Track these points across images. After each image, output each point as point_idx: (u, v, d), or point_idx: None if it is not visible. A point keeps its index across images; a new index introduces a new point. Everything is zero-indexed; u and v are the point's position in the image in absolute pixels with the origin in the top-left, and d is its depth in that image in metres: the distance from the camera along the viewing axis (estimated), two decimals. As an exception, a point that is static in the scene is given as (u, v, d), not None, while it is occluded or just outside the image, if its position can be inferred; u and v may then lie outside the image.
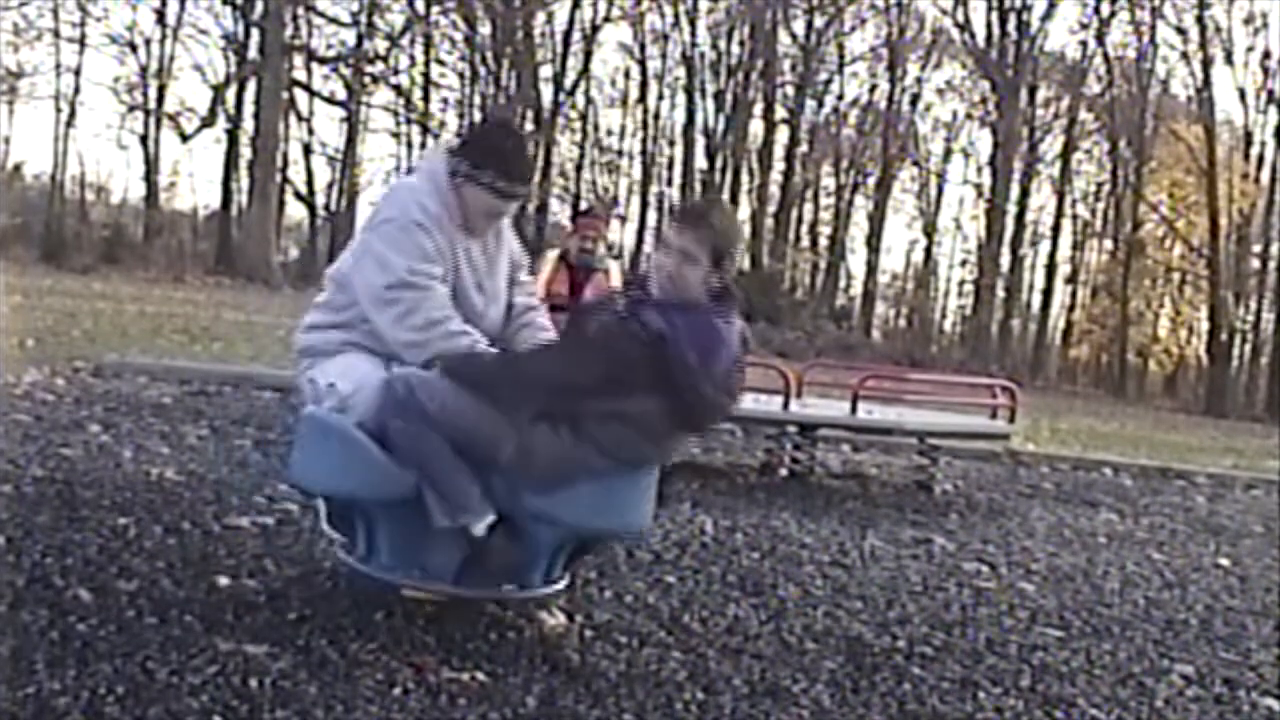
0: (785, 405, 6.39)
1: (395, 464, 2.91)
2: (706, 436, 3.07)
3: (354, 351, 3.12)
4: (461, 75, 33.15)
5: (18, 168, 33.86)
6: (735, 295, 3.03)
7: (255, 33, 29.34)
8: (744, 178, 34.10)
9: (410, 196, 3.09)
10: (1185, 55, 30.04)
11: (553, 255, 6.39)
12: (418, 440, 2.86)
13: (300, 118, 33.31)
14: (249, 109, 30.30)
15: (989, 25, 30.70)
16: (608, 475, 2.93)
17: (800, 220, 36.42)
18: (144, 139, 30.58)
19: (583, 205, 30.08)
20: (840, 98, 35.30)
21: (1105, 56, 31.92)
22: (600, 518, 3.02)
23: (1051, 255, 35.90)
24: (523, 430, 2.86)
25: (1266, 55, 30.45)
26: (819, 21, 32.85)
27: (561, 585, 3.18)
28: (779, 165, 33.88)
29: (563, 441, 2.86)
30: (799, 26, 32.82)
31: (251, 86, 29.60)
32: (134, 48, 30.56)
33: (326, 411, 3.04)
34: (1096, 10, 30.85)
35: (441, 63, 33.34)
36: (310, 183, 34.42)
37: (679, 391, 2.85)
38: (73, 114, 30.47)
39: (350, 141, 33.25)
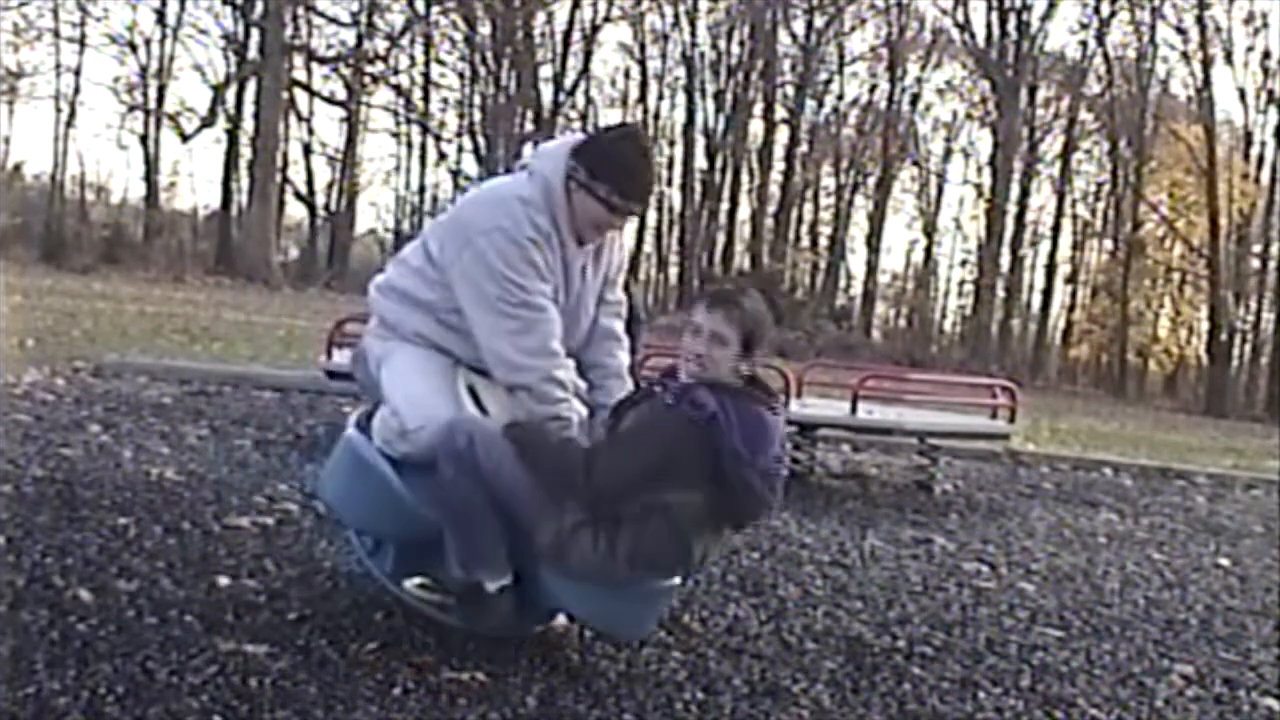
0: (785, 405, 6.38)
1: (424, 512, 2.85)
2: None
3: (424, 349, 3.03)
4: (461, 75, 33.18)
5: (18, 168, 33.90)
6: (767, 385, 2.90)
7: (255, 33, 29.34)
8: (744, 178, 34.13)
9: (523, 211, 2.93)
10: (1185, 55, 30.03)
11: None
12: (462, 492, 2.79)
13: (300, 118, 33.37)
14: (249, 109, 30.32)
15: (989, 25, 30.69)
16: (629, 590, 2.83)
17: (800, 220, 36.43)
18: (144, 139, 30.60)
19: None
20: (840, 98, 35.35)
21: (1105, 56, 31.91)
22: (606, 621, 2.94)
23: (1051, 255, 35.94)
24: (564, 528, 2.76)
25: (1266, 55, 30.47)
26: (819, 21, 32.83)
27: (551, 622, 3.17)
28: (779, 165, 33.90)
29: (599, 553, 2.73)
30: (799, 26, 32.83)
31: (251, 86, 29.61)
32: (134, 48, 30.62)
33: (368, 445, 2.96)
34: (1096, 10, 30.84)
35: (441, 63, 33.39)
36: (310, 183, 34.48)
37: (726, 481, 2.71)
38: (73, 114, 30.52)
39: (350, 141, 33.29)
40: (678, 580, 2.98)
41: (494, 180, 3.19)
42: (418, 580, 3.08)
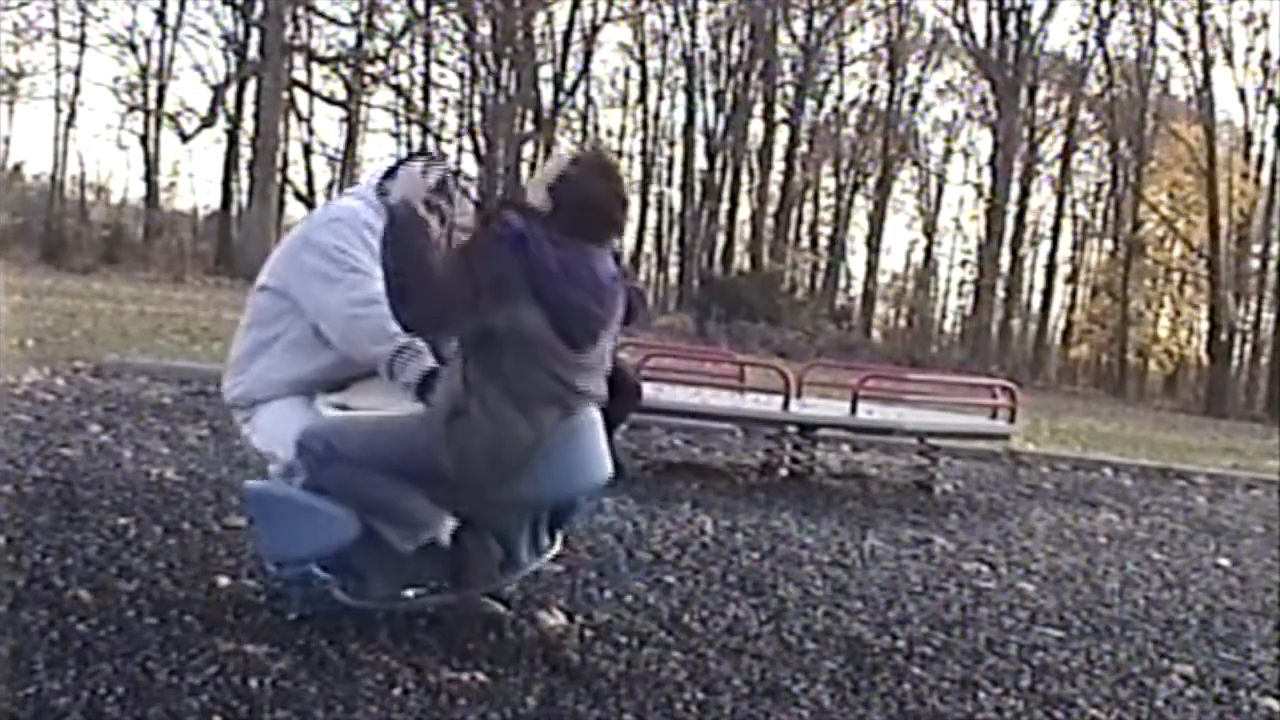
0: (785, 405, 6.39)
1: (341, 510, 2.89)
2: (593, 358, 2.93)
3: (281, 399, 3.16)
4: (461, 75, 33.11)
5: (18, 168, 33.80)
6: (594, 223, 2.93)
7: (255, 33, 29.30)
8: (744, 178, 34.10)
9: (364, 211, 3.18)
10: (1185, 55, 30.02)
11: None
12: (354, 480, 2.86)
13: (300, 118, 33.28)
14: (249, 109, 30.28)
15: (989, 25, 30.68)
16: (552, 446, 2.88)
17: (800, 220, 36.40)
18: (144, 139, 30.55)
19: None
20: (840, 98, 35.34)
21: (1105, 56, 31.91)
22: (564, 484, 3.02)
23: (1051, 255, 35.92)
24: (447, 434, 2.80)
25: (1266, 55, 30.42)
26: (819, 21, 32.80)
27: (554, 551, 3.22)
28: (779, 165, 33.87)
29: (480, 420, 2.77)
30: (799, 26, 32.79)
31: (251, 86, 29.58)
32: (134, 48, 30.54)
33: (262, 484, 3.07)
34: (1096, 10, 30.84)
35: (441, 63, 33.31)
36: (310, 183, 34.38)
37: (544, 299, 2.76)
38: (73, 114, 30.45)
39: (350, 141, 33.20)
40: (596, 413, 3.02)
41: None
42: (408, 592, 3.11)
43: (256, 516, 3.07)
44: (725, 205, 33.71)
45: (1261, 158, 31.57)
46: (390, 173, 3.24)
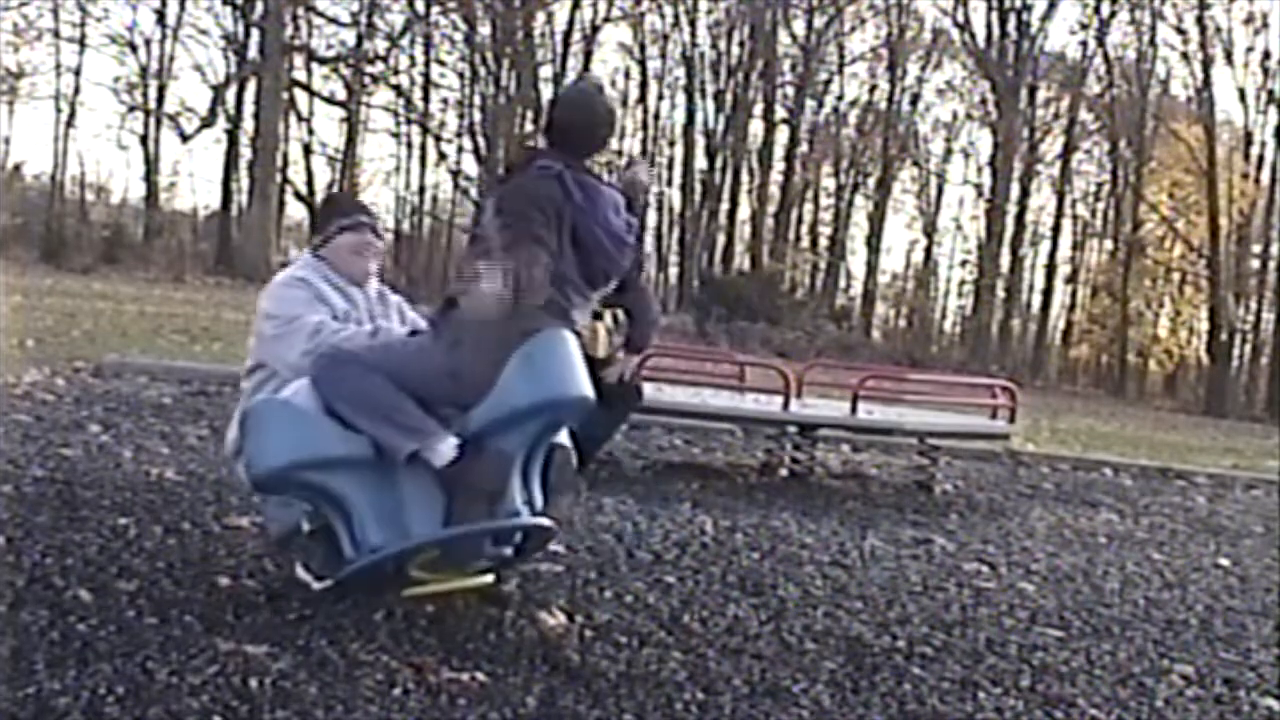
0: (785, 405, 6.39)
1: (341, 426, 3.07)
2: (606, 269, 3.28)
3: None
4: (461, 75, 33.09)
5: (18, 168, 33.77)
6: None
7: (255, 33, 29.29)
8: (744, 178, 34.09)
9: (280, 282, 3.51)
10: (1185, 55, 30.04)
11: None
12: (361, 381, 3.07)
13: (300, 118, 33.24)
14: (249, 109, 30.27)
15: (989, 25, 30.71)
16: (532, 356, 3.05)
17: (800, 220, 36.39)
18: (144, 139, 30.52)
19: None
20: (840, 98, 35.33)
21: (1105, 56, 31.92)
22: (535, 389, 3.08)
23: (1051, 255, 35.91)
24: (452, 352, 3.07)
25: (1266, 55, 30.41)
26: (819, 21, 32.82)
27: (548, 523, 3.19)
28: (779, 165, 33.88)
29: (494, 284, 3.01)
30: (799, 26, 32.82)
31: (251, 86, 29.57)
32: (134, 48, 30.53)
33: (268, 396, 3.26)
34: (1096, 10, 30.85)
35: (441, 63, 33.30)
36: (310, 183, 34.33)
37: (577, 237, 3.14)
38: (73, 114, 30.44)
39: (350, 141, 33.18)
40: (572, 337, 3.16)
41: None
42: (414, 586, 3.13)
43: (257, 430, 3.14)
44: (725, 205, 33.71)
45: (1261, 158, 31.58)
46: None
